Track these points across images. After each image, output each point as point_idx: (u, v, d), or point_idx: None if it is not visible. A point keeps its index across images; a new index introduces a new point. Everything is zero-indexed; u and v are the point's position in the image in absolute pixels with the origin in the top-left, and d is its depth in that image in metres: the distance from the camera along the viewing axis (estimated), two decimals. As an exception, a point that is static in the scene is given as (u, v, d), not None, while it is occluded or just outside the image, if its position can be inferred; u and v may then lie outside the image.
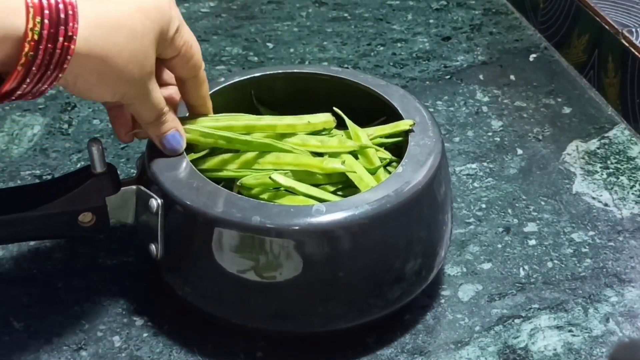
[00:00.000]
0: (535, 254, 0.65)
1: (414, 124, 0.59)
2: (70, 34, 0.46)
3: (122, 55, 0.49)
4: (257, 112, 0.64)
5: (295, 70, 0.66)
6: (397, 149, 0.60)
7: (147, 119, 0.55)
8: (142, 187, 0.56)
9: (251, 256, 0.52)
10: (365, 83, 0.63)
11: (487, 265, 0.64)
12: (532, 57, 0.90)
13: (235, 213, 0.52)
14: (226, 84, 0.63)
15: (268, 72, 0.65)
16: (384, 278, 0.55)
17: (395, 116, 0.61)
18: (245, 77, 0.64)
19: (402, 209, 0.53)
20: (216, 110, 0.60)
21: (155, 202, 0.55)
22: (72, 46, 0.46)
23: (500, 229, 0.68)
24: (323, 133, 0.60)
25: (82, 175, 0.56)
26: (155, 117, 0.55)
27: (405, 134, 0.59)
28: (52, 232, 0.57)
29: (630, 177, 0.73)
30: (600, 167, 0.74)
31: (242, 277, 0.53)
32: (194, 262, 0.55)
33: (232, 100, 0.63)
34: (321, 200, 0.55)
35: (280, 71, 0.65)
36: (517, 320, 0.60)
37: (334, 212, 0.52)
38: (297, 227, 0.52)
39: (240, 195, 0.54)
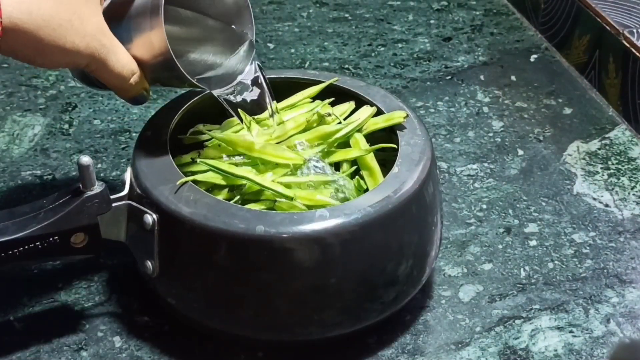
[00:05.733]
0: (536, 254, 0.65)
1: (407, 115, 0.59)
2: None
3: (51, 25, 0.48)
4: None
5: (273, 76, 0.64)
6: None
7: (112, 86, 0.53)
8: (134, 203, 0.55)
9: (255, 266, 0.52)
10: (345, 85, 0.63)
11: (487, 266, 0.64)
12: (533, 57, 0.90)
13: (238, 224, 0.51)
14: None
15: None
16: (377, 282, 0.54)
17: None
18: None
19: (393, 215, 0.53)
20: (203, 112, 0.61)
21: (151, 218, 0.53)
22: None
23: (501, 230, 0.68)
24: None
25: (72, 195, 0.53)
26: (120, 83, 0.53)
27: (394, 134, 0.59)
28: (44, 254, 0.53)
29: (631, 178, 0.73)
30: (601, 168, 0.74)
31: (242, 289, 0.53)
32: (193, 276, 0.54)
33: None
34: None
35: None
36: (517, 321, 0.60)
37: (326, 219, 0.52)
38: (305, 234, 0.51)
39: (239, 206, 0.53)
